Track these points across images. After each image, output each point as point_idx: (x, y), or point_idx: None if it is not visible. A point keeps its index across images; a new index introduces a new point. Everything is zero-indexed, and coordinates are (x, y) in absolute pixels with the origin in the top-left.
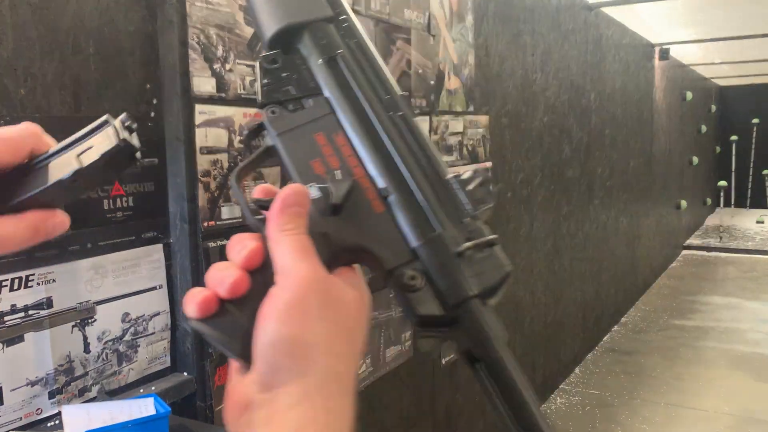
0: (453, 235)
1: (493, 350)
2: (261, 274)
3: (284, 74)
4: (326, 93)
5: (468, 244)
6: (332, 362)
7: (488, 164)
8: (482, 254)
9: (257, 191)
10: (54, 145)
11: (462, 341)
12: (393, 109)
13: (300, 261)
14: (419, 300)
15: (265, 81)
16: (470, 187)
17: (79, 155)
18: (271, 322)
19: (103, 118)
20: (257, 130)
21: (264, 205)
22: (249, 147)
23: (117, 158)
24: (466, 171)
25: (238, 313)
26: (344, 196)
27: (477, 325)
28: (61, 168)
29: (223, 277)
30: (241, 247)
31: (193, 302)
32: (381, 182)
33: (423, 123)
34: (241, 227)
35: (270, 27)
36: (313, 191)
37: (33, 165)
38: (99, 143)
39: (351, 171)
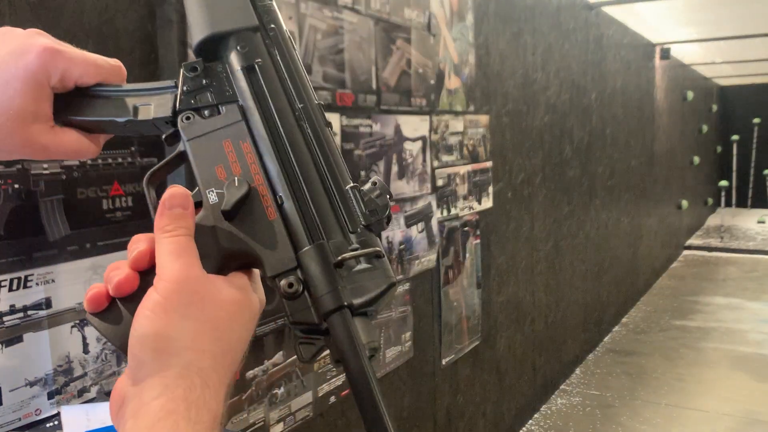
0: (337, 245)
1: (354, 362)
2: (149, 275)
3: (204, 81)
4: (240, 101)
5: (347, 254)
6: (194, 357)
7: (488, 163)
8: (364, 265)
9: (165, 193)
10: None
11: (334, 350)
12: (304, 119)
13: (173, 261)
14: (295, 307)
15: (185, 88)
16: (368, 198)
17: (137, 106)
18: (139, 319)
19: (171, 82)
20: (174, 136)
21: None
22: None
23: (166, 122)
24: (368, 182)
25: (123, 310)
26: (235, 203)
27: (342, 335)
28: (120, 110)
29: (113, 277)
30: (134, 248)
31: (86, 297)
32: (279, 190)
33: (423, 122)
34: None
35: (196, 35)
36: (212, 196)
37: (97, 92)
38: (158, 105)
39: (252, 178)
